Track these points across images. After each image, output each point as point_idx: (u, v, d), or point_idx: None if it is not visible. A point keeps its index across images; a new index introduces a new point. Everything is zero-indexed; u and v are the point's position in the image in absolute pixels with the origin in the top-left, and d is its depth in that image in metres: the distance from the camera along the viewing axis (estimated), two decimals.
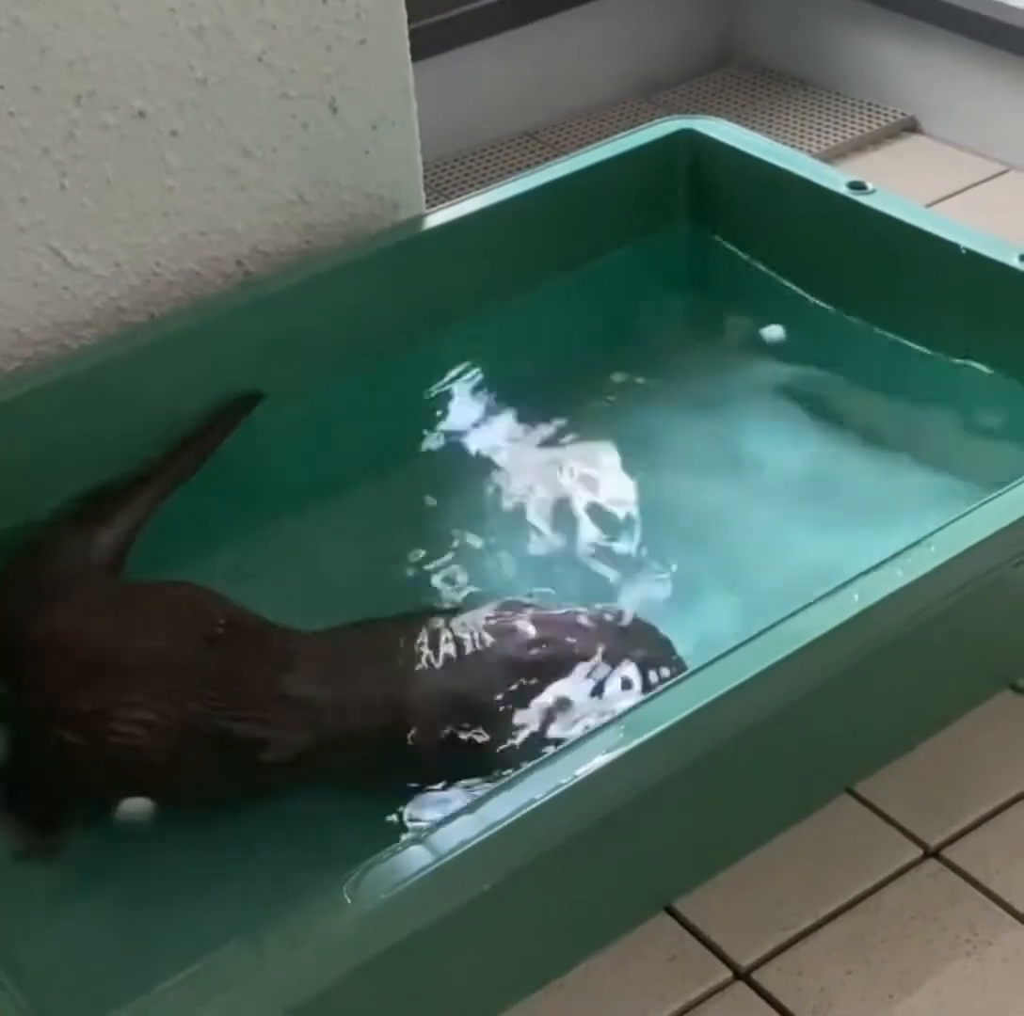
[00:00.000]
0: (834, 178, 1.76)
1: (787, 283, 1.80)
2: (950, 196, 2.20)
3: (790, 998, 1.22)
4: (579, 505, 1.60)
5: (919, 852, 1.32)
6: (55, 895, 1.28)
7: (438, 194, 1.96)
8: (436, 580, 1.51)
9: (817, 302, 1.78)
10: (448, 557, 1.54)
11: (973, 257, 1.63)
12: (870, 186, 1.73)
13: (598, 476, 1.64)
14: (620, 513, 1.59)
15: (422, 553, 1.54)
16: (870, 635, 1.25)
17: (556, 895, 1.19)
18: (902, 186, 1.78)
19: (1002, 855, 1.31)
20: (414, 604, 1.45)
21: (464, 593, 1.48)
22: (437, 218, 1.74)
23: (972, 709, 1.42)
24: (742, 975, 1.24)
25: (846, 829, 1.33)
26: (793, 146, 2.23)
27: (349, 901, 1.06)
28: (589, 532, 1.58)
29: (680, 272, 1.88)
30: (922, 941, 1.25)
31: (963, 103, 2.32)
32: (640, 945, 1.25)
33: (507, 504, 1.61)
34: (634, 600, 1.46)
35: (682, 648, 1.36)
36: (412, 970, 1.12)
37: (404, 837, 1.12)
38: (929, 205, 2.08)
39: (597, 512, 1.59)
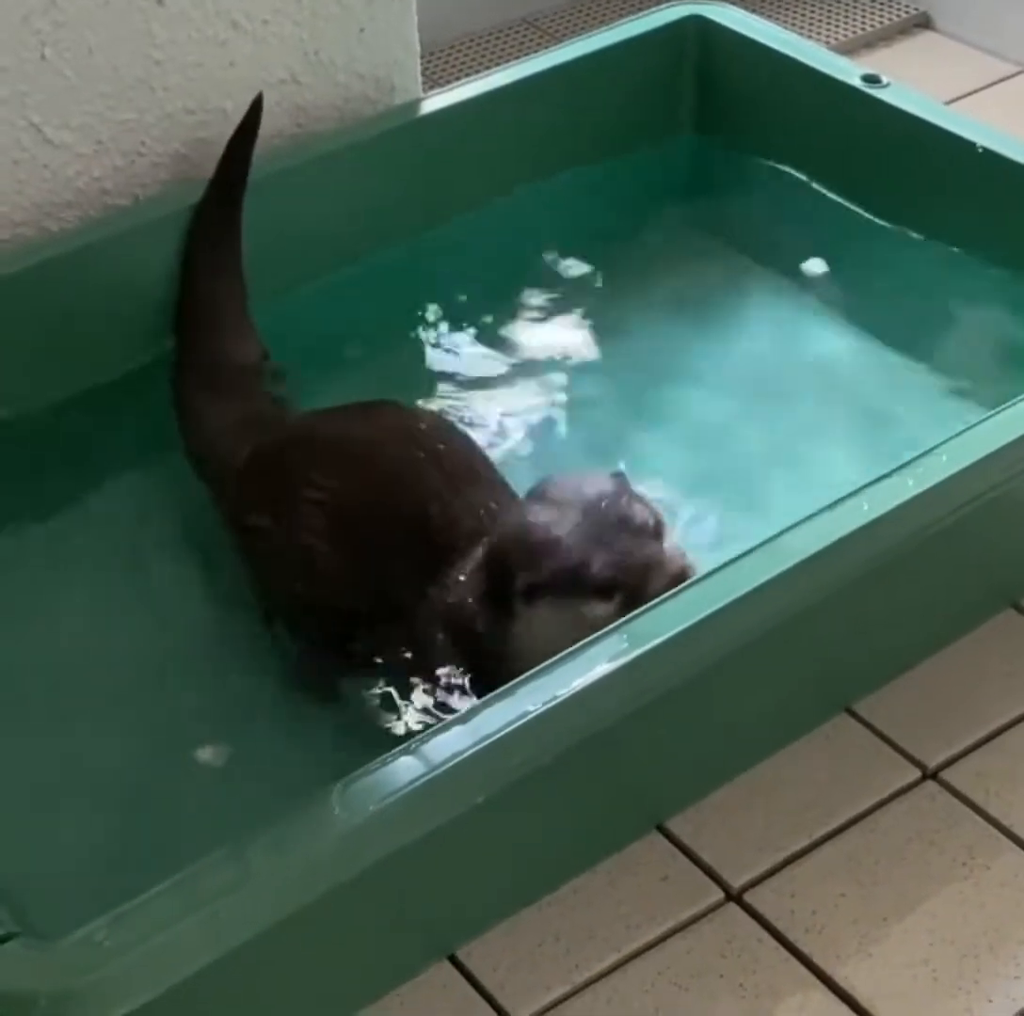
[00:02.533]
0: (847, 70, 1.71)
1: (796, 175, 1.76)
2: (963, 96, 2.13)
3: (782, 920, 1.19)
4: (576, 403, 1.57)
5: (917, 773, 1.29)
6: (42, 796, 1.25)
7: (434, 84, 1.89)
8: None
9: (826, 197, 1.73)
10: None
11: (990, 156, 1.59)
12: (885, 79, 1.68)
13: (597, 376, 1.59)
14: (621, 412, 1.55)
15: None
16: (877, 548, 1.21)
17: (548, 810, 1.16)
18: (913, 84, 1.73)
19: (1002, 777, 1.28)
20: None
21: None
22: (435, 102, 1.67)
23: (975, 628, 1.39)
24: (734, 896, 1.21)
25: (843, 749, 1.30)
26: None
27: (337, 812, 1.03)
28: (584, 430, 1.54)
29: (685, 163, 1.83)
30: (918, 864, 1.23)
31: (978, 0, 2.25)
32: (631, 864, 1.22)
33: (501, 400, 1.57)
34: None
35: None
36: (398, 884, 1.09)
37: (396, 746, 1.08)
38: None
39: (597, 411, 1.56)
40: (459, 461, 1.32)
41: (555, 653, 1.13)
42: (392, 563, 1.28)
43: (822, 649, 1.28)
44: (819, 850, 1.24)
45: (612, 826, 1.23)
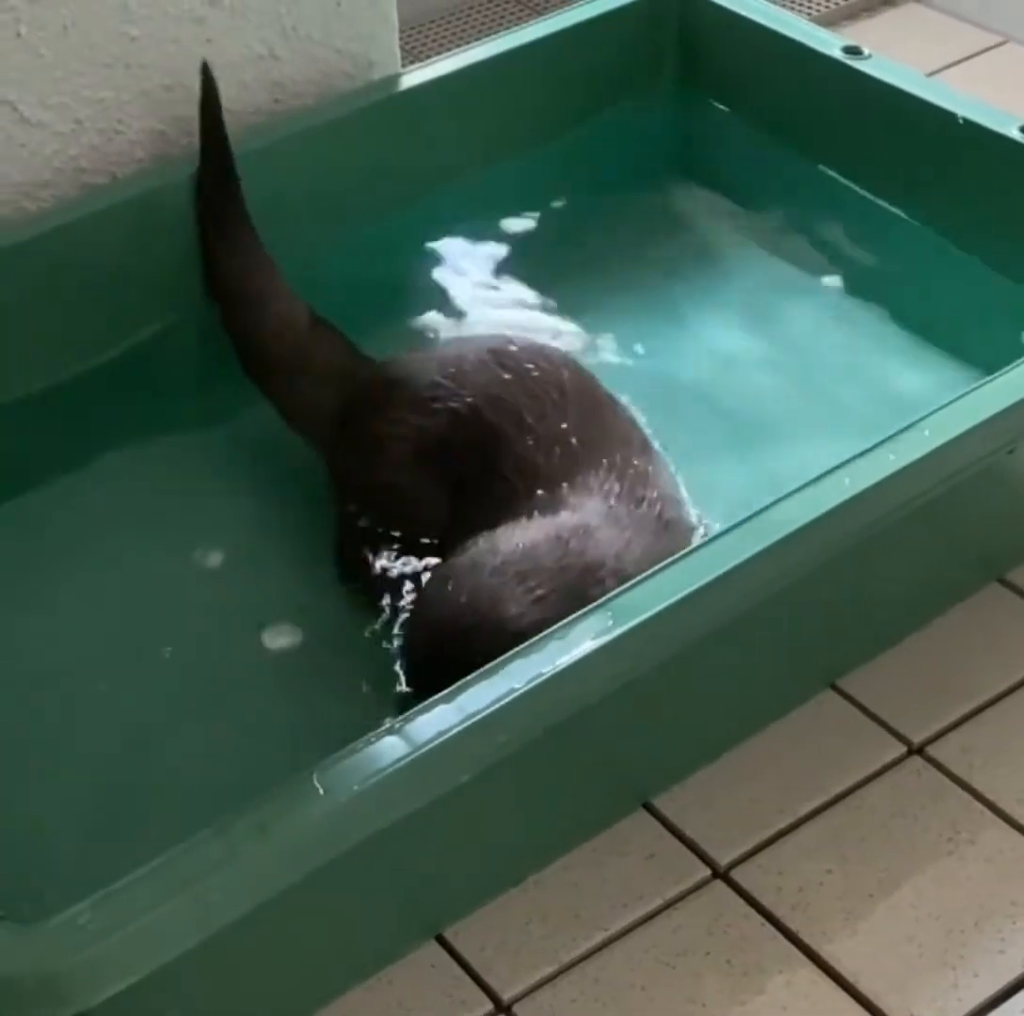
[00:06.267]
0: (828, 42, 1.71)
1: (778, 150, 1.74)
2: (947, 67, 2.12)
3: (768, 897, 1.19)
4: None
5: (903, 749, 1.29)
6: (23, 779, 1.24)
7: (413, 58, 1.87)
8: None
9: (808, 171, 1.72)
10: None
11: (971, 127, 1.58)
12: (866, 51, 1.68)
13: (581, 343, 1.58)
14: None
15: None
16: (860, 523, 1.20)
17: (534, 788, 1.16)
18: (897, 56, 1.72)
19: (986, 752, 1.28)
20: None
21: None
22: (414, 77, 1.66)
23: (959, 603, 1.39)
24: (721, 874, 1.21)
25: (829, 725, 1.30)
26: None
27: (321, 791, 1.02)
28: None
29: (668, 136, 1.82)
30: (903, 840, 1.23)
31: None
32: (618, 842, 1.22)
33: None
34: None
35: None
36: (383, 864, 1.08)
37: (381, 725, 1.07)
38: (926, 76, 2.00)
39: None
40: (549, 385, 1.33)
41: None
42: (473, 499, 1.30)
43: (807, 626, 1.27)
44: (805, 827, 1.23)
45: (598, 805, 1.23)
